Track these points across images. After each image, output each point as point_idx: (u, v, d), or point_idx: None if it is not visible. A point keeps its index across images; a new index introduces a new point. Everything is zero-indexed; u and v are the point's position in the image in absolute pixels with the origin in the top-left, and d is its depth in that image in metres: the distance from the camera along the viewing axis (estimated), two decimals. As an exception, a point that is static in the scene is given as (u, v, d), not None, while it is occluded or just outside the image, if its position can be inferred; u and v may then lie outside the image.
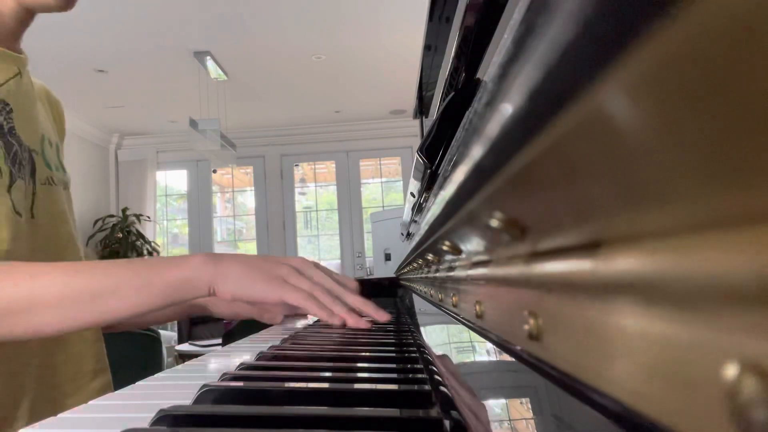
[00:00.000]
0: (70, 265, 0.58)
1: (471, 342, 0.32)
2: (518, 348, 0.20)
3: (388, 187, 5.80)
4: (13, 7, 0.67)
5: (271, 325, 0.87)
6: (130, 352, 2.03)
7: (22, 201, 0.65)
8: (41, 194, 0.70)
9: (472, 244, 0.28)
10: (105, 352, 0.80)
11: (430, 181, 0.52)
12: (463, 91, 0.44)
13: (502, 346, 0.24)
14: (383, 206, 5.57)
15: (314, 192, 5.89)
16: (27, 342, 0.64)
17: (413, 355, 0.50)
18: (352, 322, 0.67)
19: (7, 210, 0.63)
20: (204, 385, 0.35)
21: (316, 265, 0.69)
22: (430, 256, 0.51)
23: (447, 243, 0.33)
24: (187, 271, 0.60)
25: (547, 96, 0.12)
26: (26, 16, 0.69)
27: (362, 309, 0.70)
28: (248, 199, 5.86)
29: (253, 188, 5.72)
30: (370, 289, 1.67)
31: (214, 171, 5.70)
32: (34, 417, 0.62)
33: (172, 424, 0.29)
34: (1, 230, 0.62)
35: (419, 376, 0.40)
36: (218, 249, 5.85)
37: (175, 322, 4.21)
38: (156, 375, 0.50)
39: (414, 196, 0.69)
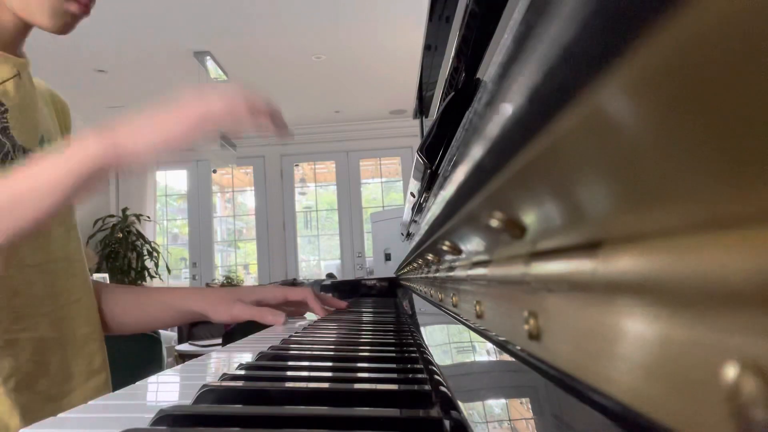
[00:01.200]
0: None
1: (471, 342, 0.32)
2: (518, 348, 0.20)
3: (388, 187, 5.80)
4: (13, 19, 0.68)
5: (271, 326, 0.87)
6: (130, 352, 2.03)
7: None
8: None
9: (472, 244, 0.28)
10: (104, 351, 0.80)
11: (430, 181, 0.52)
12: (463, 91, 0.44)
13: (502, 346, 0.24)
14: (383, 206, 5.58)
15: (314, 192, 5.89)
16: (21, 343, 0.64)
17: (413, 355, 0.50)
18: None
19: None
20: (204, 385, 0.35)
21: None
22: (430, 256, 0.51)
23: (447, 243, 0.33)
24: (85, 151, 0.54)
25: (547, 96, 0.12)
26: (26, 27, 0.70)
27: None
28: (248, 199, 5.87)
29: (253, 188, 5.72)
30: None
31: (214, 171, 5.70)
32: (28, 417, 0.62)
33: (172, 424, 0.29)
34: None
35: (419, 376, 0.40)
36: (218, 249, 5.86)
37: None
38: (156, 375, 0.50)
39: (414, 196, 0.69)
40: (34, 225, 0.56)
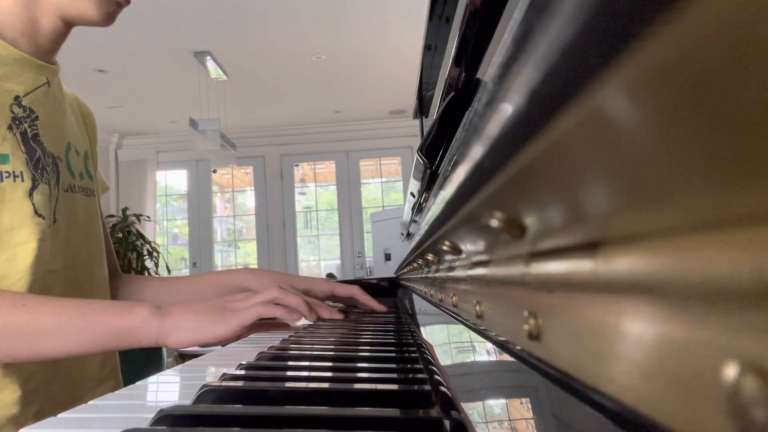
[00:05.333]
0: (19, 297, 0.58)
1: (471, 342, 0.32)
2: (518, 348, 0.20)
3: (388, 187, 5.80)
4: (54, 21, 0.69)
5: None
6: (130, 352, 2.03)
7: (46, 204, 0.67)
8: (62, 200, 0.72)
9: (472, 244, 0.28)
10: (115, 359, 0.80)
11: (430, 181, 0.52)
12: (463, 91, 0.44)
13: (502, 346, 0.24)
14: (383, 206, 5.57)
15: (314, 192, 5.89)
16: None
17: (413, 355, 0.50)
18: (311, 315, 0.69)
19: (29, 212, 0.65)
20: (204, 385, 0.35)
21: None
22: (430, 256, 0.51)
23: (447, 243, 0.33)
24: (132, 322, 0.59)
25: (546, 96, 0.12)
26: (65, 30, 0.71)
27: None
28: (248, 199, 5.86)
29: (253, 188, 5.72)
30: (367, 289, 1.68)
31: (214, 171, 5.70)
32: (42, 419, 0.62)
33: (172, 424, 0.29)
34: (24, 229, 0.64)
35: (419, 376, 0.40)
36: (218, 249, 5.85)
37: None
38: (156, 375, 0.50)
39: (414, 196, 0.69)
40: (47, 358, 0.59)
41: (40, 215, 0.66)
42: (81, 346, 0.58)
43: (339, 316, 0.81)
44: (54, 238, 0.68)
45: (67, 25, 0.70)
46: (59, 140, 0.73)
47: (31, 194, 0.65)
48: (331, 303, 0.96)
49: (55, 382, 0.67)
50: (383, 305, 0.99)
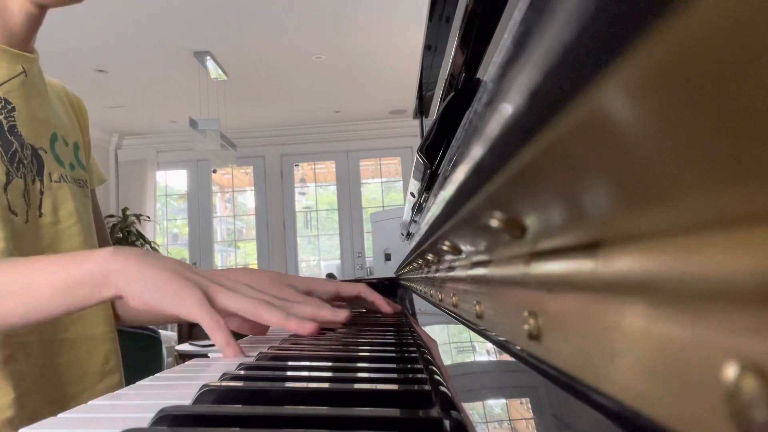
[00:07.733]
0: None
1: (471, 342, 0.32)
2: (518, 348, 0.20)
3: (388, 187, 5.80)
4: (24, 4, 0.65)
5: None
6: (130, 352, 2.03)
7: (19, 200, 0.65)
8: (51, 192, 0.69)
9: (472, 244, 0.28)
10: (118, 351, 0.77)
11: (430, 181, 0.52)
12: (463, 91, 0.44)
13: (502, 346, 0.24)
14: (383, 206, 5.58)
15: (314, 192, 5.89)
16: (30, 343, 0.64)
17: (413, 355, 0.50)
18: (294, 326, 0.58)
19: (2, 209, 0.62)
20: (204, 385, 0.35)
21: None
22: (430, 256, 0.51)
23: (447, 243, 0.33)
24: (87, 267, 0.51)
25: (547, 96, 0.12)
26: (38, 13, 0.67)
27: (316, 316, 0.61)
28: (248, 199, 5.87)
29: (253, 188, 5.73)
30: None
31: (214, 171, 5.71)
32: (37, 419, 0.62)
33: (173, 424, 0.29)
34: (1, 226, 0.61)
35: (419, 376, 0.40)
36: (218, 249, 5.86)
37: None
38: (156, 375, 0.50)
39: (414, 196, 0.69)
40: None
41: (12, 212, 0.63)
42: (36, 307, 0.51)
43: (342, 317, 0.67)
44: (38, 234, 0.66)
45: (39, 6, 0.66)
46: (41, 131, 0.70)
47: (5, 189, 0.63)
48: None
49: (51, 381, 0.66)
50: (395, 304, 0.87)
